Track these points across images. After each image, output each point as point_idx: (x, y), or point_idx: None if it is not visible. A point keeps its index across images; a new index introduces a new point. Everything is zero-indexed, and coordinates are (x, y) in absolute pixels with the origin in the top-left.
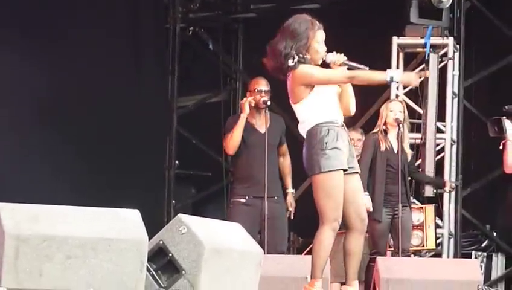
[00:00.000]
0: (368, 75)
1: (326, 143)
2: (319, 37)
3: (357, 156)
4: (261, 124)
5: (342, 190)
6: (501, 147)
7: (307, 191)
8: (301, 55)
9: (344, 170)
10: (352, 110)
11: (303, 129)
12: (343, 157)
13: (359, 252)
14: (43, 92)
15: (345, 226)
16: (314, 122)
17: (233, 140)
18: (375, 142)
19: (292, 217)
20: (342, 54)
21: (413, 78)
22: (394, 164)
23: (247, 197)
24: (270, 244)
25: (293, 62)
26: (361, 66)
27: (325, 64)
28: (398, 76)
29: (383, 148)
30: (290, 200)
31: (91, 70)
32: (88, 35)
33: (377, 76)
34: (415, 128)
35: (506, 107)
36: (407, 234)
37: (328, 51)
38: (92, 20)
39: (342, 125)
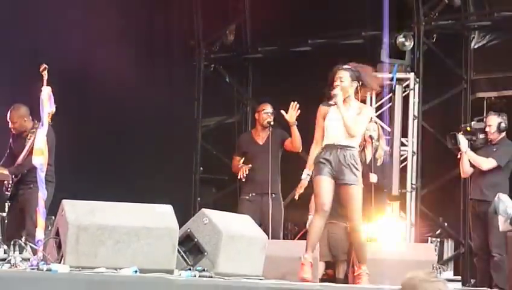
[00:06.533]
0: None
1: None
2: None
3: None
4: (263, 138)
5: (325, 188)
6: (458, 157)
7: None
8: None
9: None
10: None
11: None
12: (324, 167)
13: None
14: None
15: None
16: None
17: (234, 171)
18: None
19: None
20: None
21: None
22: (365, 172)
23: (250, 195)
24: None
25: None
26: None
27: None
28: None
29: None
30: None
31: (135, 98)
32: (133, 70)
33: None
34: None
35: (462, 125)
36: None
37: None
38: (136, 57)
39: (341, 147)
